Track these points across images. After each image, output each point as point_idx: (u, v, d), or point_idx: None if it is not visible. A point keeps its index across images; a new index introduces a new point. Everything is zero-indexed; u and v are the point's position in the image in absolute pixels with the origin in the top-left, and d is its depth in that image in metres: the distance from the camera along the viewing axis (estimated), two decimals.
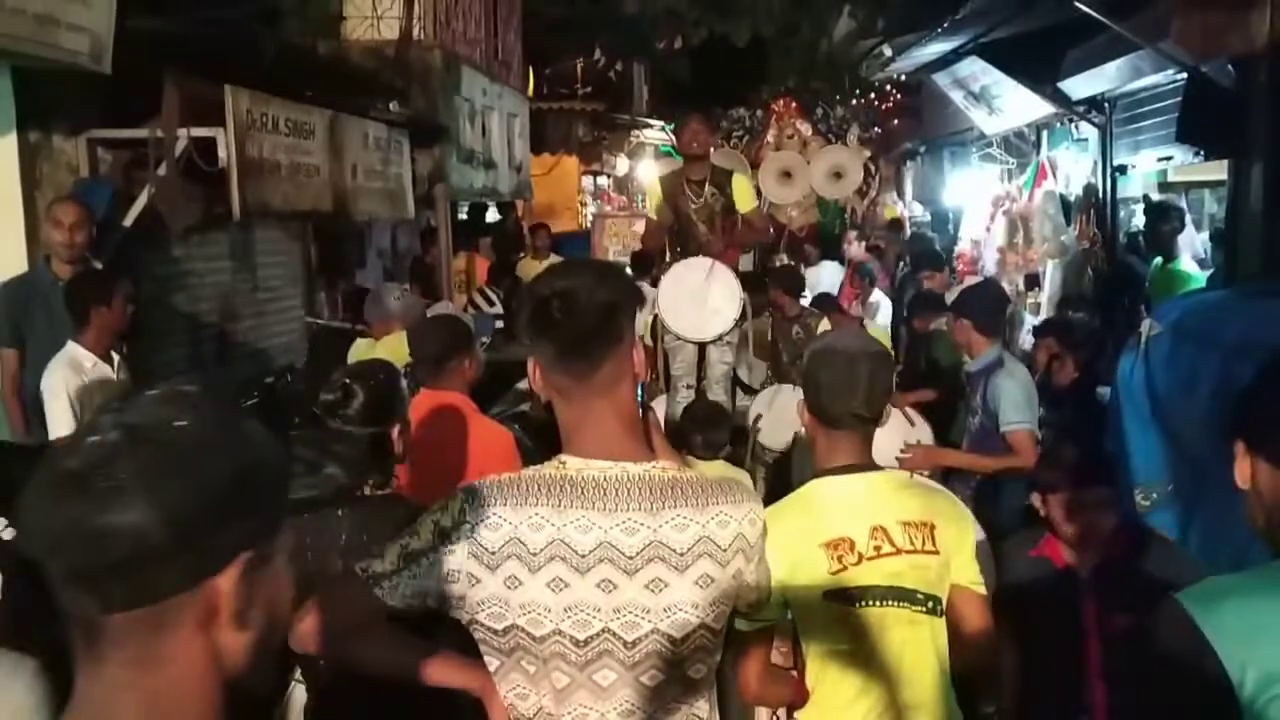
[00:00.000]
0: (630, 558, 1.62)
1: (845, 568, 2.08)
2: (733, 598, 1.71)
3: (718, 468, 4.17)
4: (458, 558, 1.64)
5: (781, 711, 2.31)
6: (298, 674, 2.69)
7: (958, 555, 2.15)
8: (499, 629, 1.64)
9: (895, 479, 2.22)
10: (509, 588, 1.62)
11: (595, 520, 1.62)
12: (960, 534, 2.17)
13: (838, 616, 2.09)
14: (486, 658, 1.70)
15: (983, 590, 2.19)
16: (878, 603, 2.09)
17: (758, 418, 5.31)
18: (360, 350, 5.25)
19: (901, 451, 4.16)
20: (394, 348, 4.44)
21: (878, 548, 2.09)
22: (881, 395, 2.20)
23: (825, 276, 9.85)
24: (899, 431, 4.25)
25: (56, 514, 0.89)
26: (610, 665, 1.64)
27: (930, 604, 2.11)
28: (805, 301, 6.86)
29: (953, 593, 2.16)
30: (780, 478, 4.85)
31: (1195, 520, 3.00)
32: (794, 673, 2.20)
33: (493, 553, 1.63)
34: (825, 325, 6.26)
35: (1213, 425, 2.96)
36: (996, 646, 2.22)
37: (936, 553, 2.11)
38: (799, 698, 2.16)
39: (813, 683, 2.14)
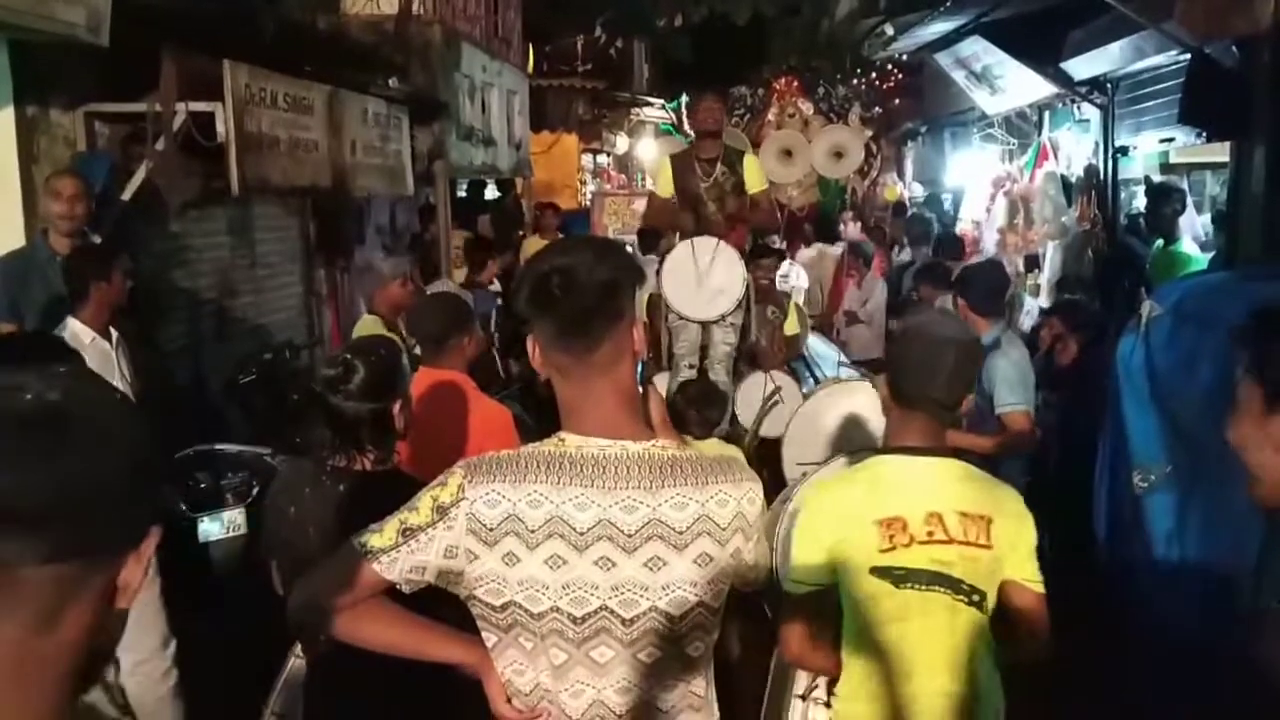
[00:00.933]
0: (629, 536, 1.62)
1: (895, 547, 2.10)
2: (731, 576, 1.71)
3: (713, 446, 4.18)
4: (455, 534, 1.64)
5: (822, 682, 2.33)
6: (297, 648, 2.71)
7: (1013, 552, 2.15)
8: (497, 605, 1.65)
9: (960, 468, 2.21)
10: (507, 564, 1.62)
11: (594, 498, 1.62)
12: (1018, 531, 2.16)
13: (880, 593, 2.11)
14: (484, 633, 1.71)
15: (1040, 588, 2.18)
16: (921, 586, 2.10)
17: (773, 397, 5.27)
18: (366, 327, 5.24)
19: None
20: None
21: (930, 533, 2.10)
22: (963, 385, 2.21)
23: (803, 257, 9.81)
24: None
25: (25, 447, 0.85)
26: (608, 643, 1.64)
27: (975, 596, 2.12)
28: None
29: (1007, 588, 2.16)
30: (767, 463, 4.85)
31: (1193, 502, 3.01)
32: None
33: (491, 529, 1.62)
34: (800, 300, 6.27)
35: (1212, 407, 2.96)
36: (1049, 643, 2.20)
37: (990, 547, 2.11)
38: (836, 669, 2.18)
39: (847, 654, 2.17)
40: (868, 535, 2.10)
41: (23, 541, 0.84)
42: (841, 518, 2.11)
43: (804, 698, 2.40)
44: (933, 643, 2.11)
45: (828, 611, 2.21)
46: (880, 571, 2.10)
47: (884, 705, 2.14)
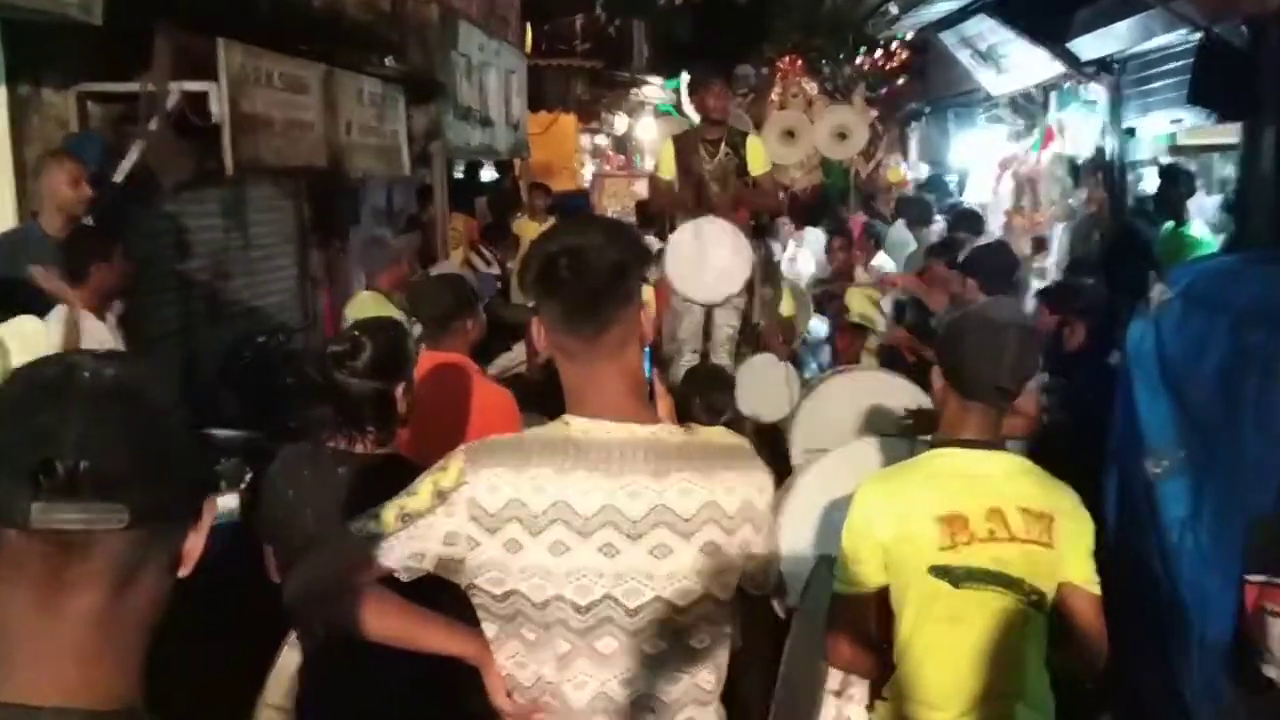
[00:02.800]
0: (634, 522, 1.58)
1: (955, 545, 2.04)
2: (739, 569, 1.67)
3: (718, 434, 4.12)
4: (456, 520, 1.60)
5: (856, 685, 2.28)
6: (292, 638, 2.67)
7: (1072, 552, 2.10)
8: (498, 594, 1.61)
9: (1021, 463, 2.17)
10: (509, 551, 1.58)
11: (599, 483, 1.58)
12: (1079, 531, 2.12)
13: (938, 593, 2.05)
14: (484, 624, 1.67)
15: (1097, 590, 2.13)
16: (981, 586, 2.04)
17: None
18: (364, 302, 5.16)
19: (901, 419, 4.11)
20: None
21: (992, 531, 2.05)
22: (1027, 370, 2.15)
23: (809, 240, 9.74)
24: (903, 394, 4.20)
25: (101, 418, 0.90)
26: (612, 633, 1.60)
27: (1034, 597, 2.07)
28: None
29: (1065, 590, 2.10)
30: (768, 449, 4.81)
31: (1206, 488, 2.97)
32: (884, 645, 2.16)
33: (493, 515, 1.58)
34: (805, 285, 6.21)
35: (1223, 392, 2.93)
36: (1106, 648, 2.16)
37: (1051, 546, 2.06)
38: (883, 672, 2.13)
39: (899, 655, 2.11)
40: (928, 532, 2.05)
41: (109, 507, 0.89)
42: (899, 514, 2.06)
43: (839, 694, 2.36)
44: (992, 645, 2.05)
45: (878, 613, 2.16)
46: (940, 570, 2.04)
47: (938, 710, 2.09)
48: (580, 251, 1.58)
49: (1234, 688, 2.63)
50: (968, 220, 7.91)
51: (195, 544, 0.99)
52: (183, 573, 1.00)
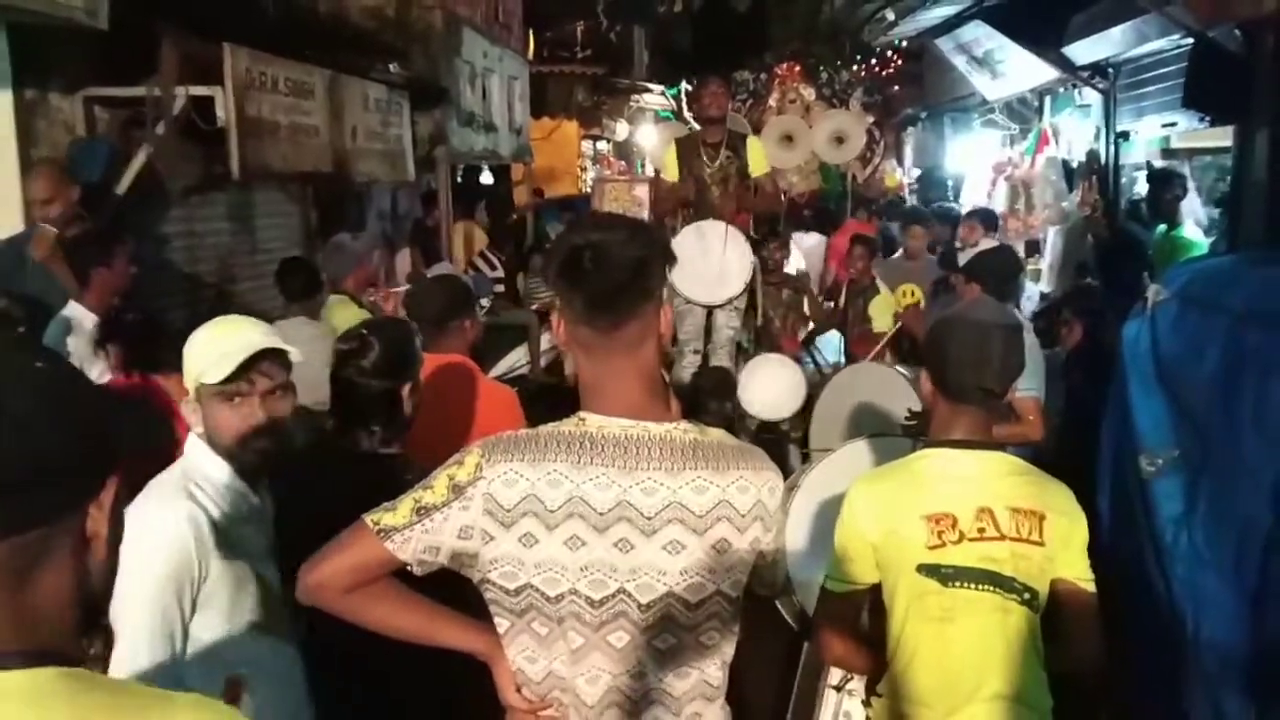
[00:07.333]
0: (648, 518, 1.60)
1: (944, 544, 2.05)
2: (749, 566, 1.69)
3: (727, 435, 4.15)
4: (471, 514, 1.61)
5: (857, 680, 2.30)
6: None
7: (1065, 550, 2.09)
8: (511, 589, 1.62)
9: (1012, 462, 2.16)
10: (525, 545, 1.60)
11: (615, 479, 1.60)
12: (1071, 528, 2.11)
13: (927, 591, 2.06)
14: (496, 619, 1.68)
15: (1092, 587, 2.12)
16: (971, 585, 2.05)
17: None
18: (335, 307, 5.15)
19: (905, 419, 4.13)
20: None
21: (981, 529, 2.05)
22: (1013, 371, 2.14)
23: (802, 243, 9.74)
24: (907, 398, 4.23)
25: None
26: (625, 627, 1.62)
27: (1027, 595, 2.07)
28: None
29: (1058, 587, 2.10)
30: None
31: (1201, 487, 2.98)
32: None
33: (508, 510, 1.60)
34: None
35: (1219, 392, 2.95)
36: (1103, 646, 2.15)
37: (1042, 544, 2.06)
38: (877, 669, 2.15)
39: (891, 653, 2.12)
40: (915, 531, 2.05)
41: None
42: (887, 513, 2.06)
43: (839, 689, 2.37)
44: (982, 644, 2.06)
45: (871, 610, 2.17)
46: (927, 569, 2.04)
47: (928, 708, 2.09)
48: (603, 246, 1.60)
49: None
50: (982, 217, 7.91)
51: (98, 524, 0.98)
52: (97, 556, 0.99)
